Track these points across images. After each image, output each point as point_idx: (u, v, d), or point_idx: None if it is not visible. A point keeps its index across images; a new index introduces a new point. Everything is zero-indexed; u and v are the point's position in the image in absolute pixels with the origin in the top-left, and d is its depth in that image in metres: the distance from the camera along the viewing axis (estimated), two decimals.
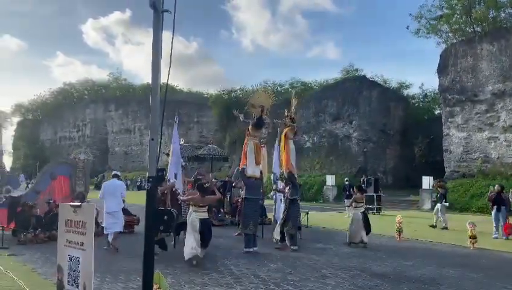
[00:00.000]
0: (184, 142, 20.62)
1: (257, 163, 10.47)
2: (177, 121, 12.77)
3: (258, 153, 10.56)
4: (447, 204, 15.23)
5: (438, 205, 14.95)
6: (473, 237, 10.41)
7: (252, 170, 10.32)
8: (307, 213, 13.79)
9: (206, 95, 54.28)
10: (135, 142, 55.43)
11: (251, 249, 9.44)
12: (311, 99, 35.61)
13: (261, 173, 10.67)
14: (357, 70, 42.73)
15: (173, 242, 9.83)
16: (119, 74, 67.07)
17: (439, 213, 14.71)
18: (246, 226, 9.76)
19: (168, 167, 11.93)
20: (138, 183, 41.44)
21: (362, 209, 11.09)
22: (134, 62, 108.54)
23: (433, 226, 14.63)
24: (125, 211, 13.03)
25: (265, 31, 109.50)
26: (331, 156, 33.54)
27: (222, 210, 15.23)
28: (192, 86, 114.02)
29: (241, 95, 41.33)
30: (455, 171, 25.88)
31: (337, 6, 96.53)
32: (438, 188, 15.83)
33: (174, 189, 11.13)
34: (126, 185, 16.72)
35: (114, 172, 11.20)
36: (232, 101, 41.40)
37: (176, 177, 11.44)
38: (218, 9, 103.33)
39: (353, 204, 11.22)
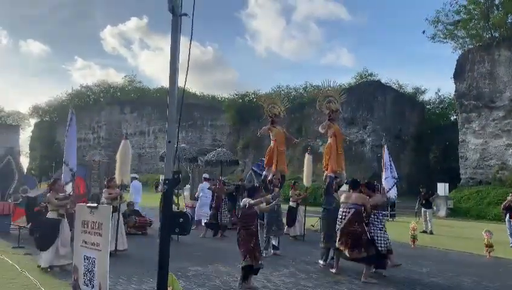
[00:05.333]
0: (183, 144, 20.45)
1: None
2: (72, 115, 9.82)
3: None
4: (435, 208, 15.49)
5: (426, 210, 15.44)
6: (490, 246, 10.24)
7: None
8: (320, 218, 13.63)
9: (220, 99, 54.45)
10: (149, 144, 55.86)
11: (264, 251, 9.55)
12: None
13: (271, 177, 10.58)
14: (371, 74, 42.37)
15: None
16: (134, 76, 67.85)
17: (428, 218, 15.24)
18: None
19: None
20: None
21: None
22: (151, 67, 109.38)
23: (430, 232, 14.80)
24: (136, 213, 13.27)
25: (280, 38, 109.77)
26: (345, 161, 33.24)
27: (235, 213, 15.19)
28: (206, 90, 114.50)
29: (254, 99, 41.25)
30: (471, 178, 25.49)
31: (351, 14, 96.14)
32: (427, 195, 15.89)
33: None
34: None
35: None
36: (245, 105, 41.45)
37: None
38: (233, 17, 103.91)
39: None
